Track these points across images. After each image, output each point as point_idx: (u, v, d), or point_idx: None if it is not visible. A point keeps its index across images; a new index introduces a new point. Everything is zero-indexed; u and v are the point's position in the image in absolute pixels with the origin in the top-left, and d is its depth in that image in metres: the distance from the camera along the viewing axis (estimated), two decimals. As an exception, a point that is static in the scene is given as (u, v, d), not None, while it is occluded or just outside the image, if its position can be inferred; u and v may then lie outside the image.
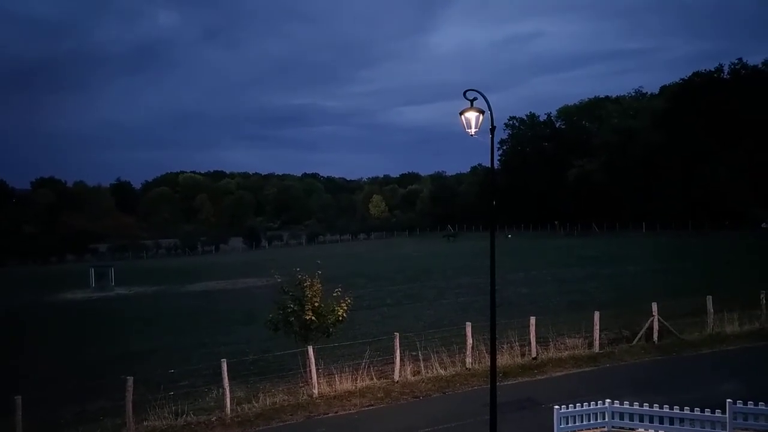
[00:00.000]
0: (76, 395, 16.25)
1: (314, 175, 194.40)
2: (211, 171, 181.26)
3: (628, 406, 10.58)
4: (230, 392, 13.43)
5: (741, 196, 70.08)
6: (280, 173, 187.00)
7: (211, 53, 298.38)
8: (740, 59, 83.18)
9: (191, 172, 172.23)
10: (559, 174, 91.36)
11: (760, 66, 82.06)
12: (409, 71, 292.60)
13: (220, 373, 13.34)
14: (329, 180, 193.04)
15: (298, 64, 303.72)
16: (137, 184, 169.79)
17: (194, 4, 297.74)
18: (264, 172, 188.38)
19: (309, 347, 14.41)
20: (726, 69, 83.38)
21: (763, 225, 64.59)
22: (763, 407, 10.01)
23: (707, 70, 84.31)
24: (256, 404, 13.72)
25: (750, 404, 10.09)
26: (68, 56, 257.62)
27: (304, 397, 14.15)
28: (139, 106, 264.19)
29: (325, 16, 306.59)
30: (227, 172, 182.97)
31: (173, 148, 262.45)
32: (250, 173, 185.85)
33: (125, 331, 27.76)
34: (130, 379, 12.68)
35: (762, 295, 19.04)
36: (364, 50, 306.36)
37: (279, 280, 16.84)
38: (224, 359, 13.59)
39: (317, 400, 13.95)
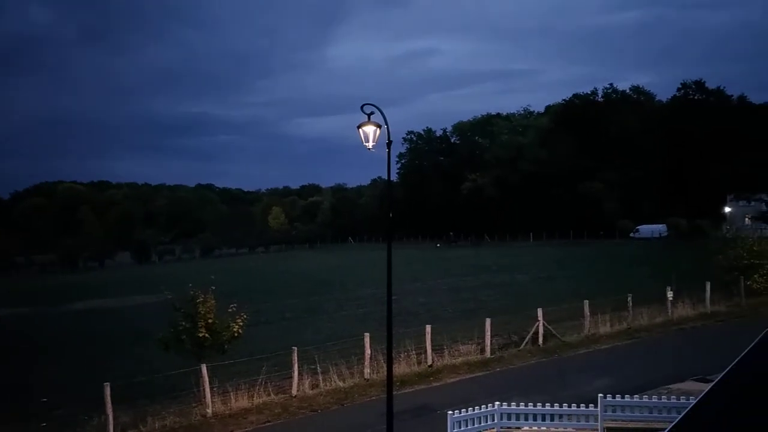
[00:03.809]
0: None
1: (209, 186, 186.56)
2: (95, 181, 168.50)
3: (515, 407, 11.29)
4: (114, 418, 12.56)
5: (613, 209, 77.45)
6: (172, 184, 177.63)
7: (95, 56, 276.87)
8: (611, 84, 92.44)
9: (72, 182, 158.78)
10: (455, 187, 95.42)
11: (627, 91, 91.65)
12: (309, 83, 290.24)
13: (103, 398, 12.42)
14: (225, 191, 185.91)
15: (193, 72, 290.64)
16: (5, 195, 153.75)
17: (72, 2, 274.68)
18: (154, 183, 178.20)
19: (202, 365, 13.85)
20: (600, 92, 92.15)
21: (631, 234, 71.74)
22: (629, 399, 11.11)
23: (585, 92, 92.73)
24: (143, 429, 12.94)
25: (618, 397, 11.15)
26: None
27: (197, 418, 13.56)
28: (8, 110, 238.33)
29: (220, 25, 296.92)
30: (113, 182, 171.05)
31: (51, 157, 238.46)
32: (139, 184, 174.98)
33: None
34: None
35: (629, 298, 21.18)
36: (263, 60, 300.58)
37: (170, 297, 16.02)
38: (107, 383, 12.69)
39: (211, 420, 13.42)
